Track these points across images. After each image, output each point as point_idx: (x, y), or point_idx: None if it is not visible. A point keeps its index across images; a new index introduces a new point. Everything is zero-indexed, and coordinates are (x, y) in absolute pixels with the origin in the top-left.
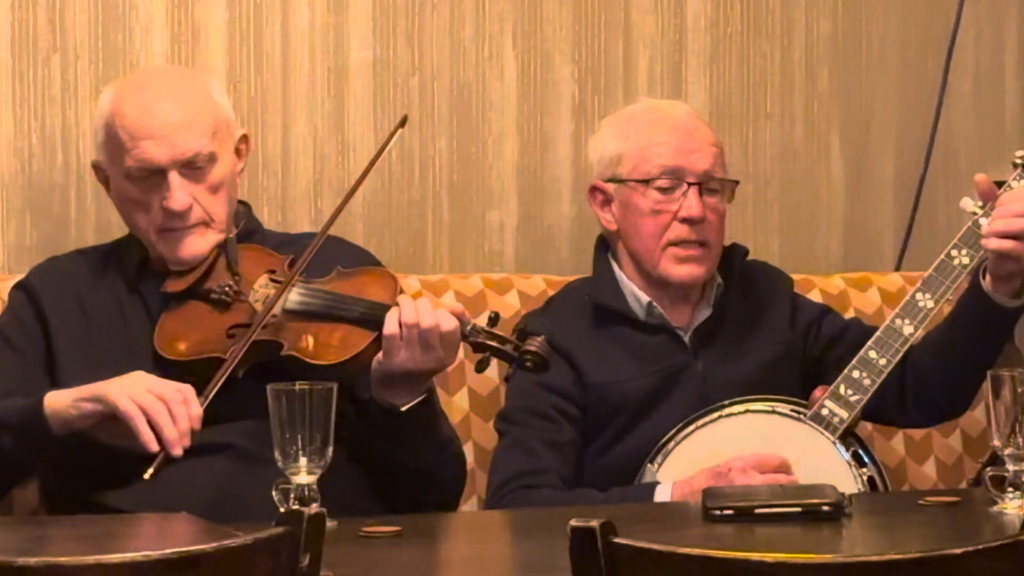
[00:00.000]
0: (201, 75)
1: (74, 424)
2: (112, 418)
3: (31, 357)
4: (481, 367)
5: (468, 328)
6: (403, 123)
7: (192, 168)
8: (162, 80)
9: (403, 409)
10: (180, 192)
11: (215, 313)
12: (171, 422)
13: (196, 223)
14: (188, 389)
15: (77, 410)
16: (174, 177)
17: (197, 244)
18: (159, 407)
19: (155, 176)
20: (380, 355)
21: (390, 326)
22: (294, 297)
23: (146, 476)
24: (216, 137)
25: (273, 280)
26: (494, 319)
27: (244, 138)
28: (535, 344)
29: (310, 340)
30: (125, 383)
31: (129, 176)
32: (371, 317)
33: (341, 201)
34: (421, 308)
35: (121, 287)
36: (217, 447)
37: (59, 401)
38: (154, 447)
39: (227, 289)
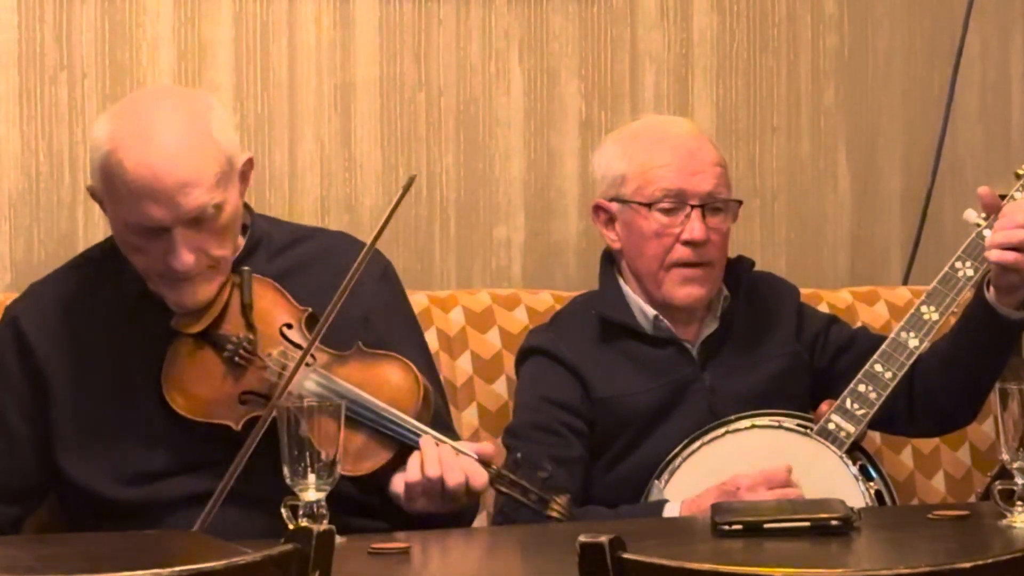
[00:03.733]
0: (202, 109)
1: None
2: None
3: (13, 425)
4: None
5: (494, 474)
6: (410, 185)
7: (198, 222)
8: (161, 120)
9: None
10: (184, 252)
11: (228, 372)
12: None
13: (202, 271)
14: None
15: None
16: (178, 234)
17: (204, 291)
18: None
19: (157, 230)
20: (400, 490)
21: (412, 473)
22: (311, 386)
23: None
24: (221, 183)
25: (288, 340)
26: (517, 461)
27: (249, 161)
28: (557, 508)
29: None
30: None
31: (128, 227)
32: (393, 436)
33: (355, 265)
34: (447, 461)
35: (117, 313)
36: (239, 496)
37: None
38: None
39: (242, 350)
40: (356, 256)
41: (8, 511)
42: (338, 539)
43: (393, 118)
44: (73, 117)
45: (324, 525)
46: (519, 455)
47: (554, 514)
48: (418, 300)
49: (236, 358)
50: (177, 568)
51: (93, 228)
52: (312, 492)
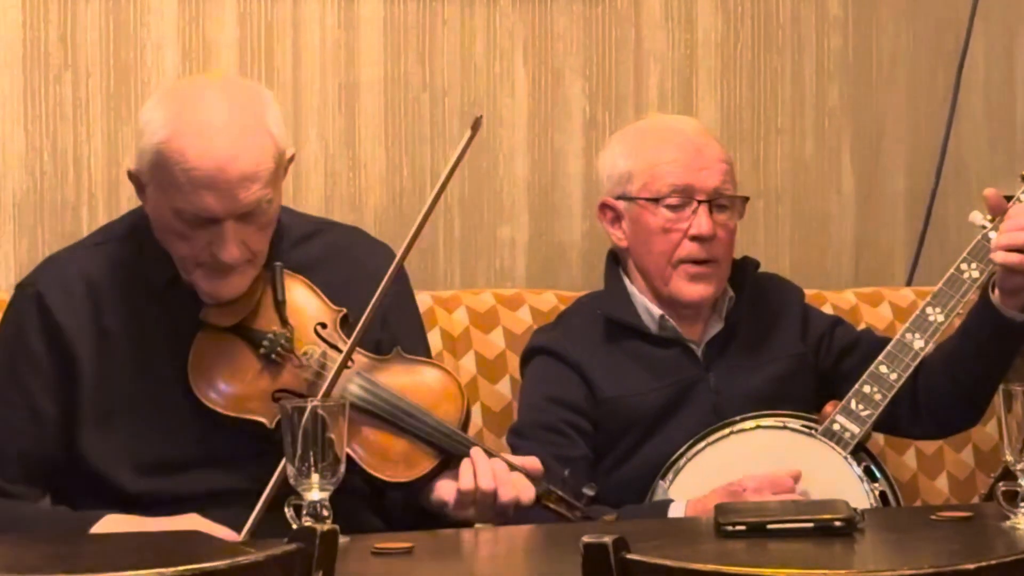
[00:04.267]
0: (260, 102)
1: None
2: None
3: (43, 404)
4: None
5: (543, 489)
6: (477, 126)
7: (249, 215)
8: (224, 111)
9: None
10: (233, 244)
11: (263, 368)
12: None
13: (241, 262)
14: (237, 539)
15: None
16: (229, 227)
17: (239, 283)
18: None
19: (208, 221)
20: (446, 497)
21: (466, 481)
22: (354, 390)
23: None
24: (274, 179)
25: (324, 340)
26: (565, 480)
27: (292, 156)
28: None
29: (369, 445)
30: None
31: (178, 215)
32: (439, 444)
33: (394, 264)
34: (500, 476)
35: (142, 295)
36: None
37: (115, 530)
38: None
39: (279, 347)
40: (373, 251)
41: (32, 491)
42: (341, 539)
43: (397, 118)
44: (77, 117)
45: (328, 525)
46: (567, 472)
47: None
48: (422, 300)
49: (272, 355)
50: (181, 567)
51: (97, 227)
52: (316, 492)
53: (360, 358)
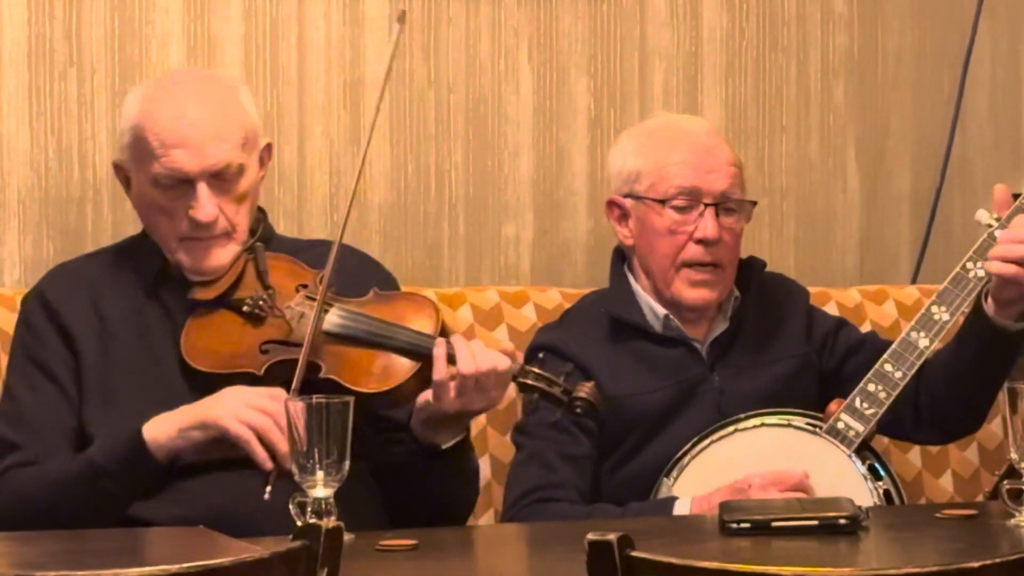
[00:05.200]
0: (230, 81)
1: (183, 454)
2: (218, 439)
3: (65, 380)
4: (531, 408)
5: (518, 368)
6: (402, 19)
7: (221, 179)
8: (194, 86)
9: (444, 447)
10: (208, 203)
11: (247, 326)
12: (282, 436)
13: (220, 234)
14: (281, 394)
15: (186, 440)
16: (202, 188)
17: (220, 255)
18: (267, 422)
19: (183, 185)
20: (429, 397)
21: (440, 370)
22: (334, 319)
23: (266, 496)
24: (245, 148)
25: (308, 297)
26: (542, 360)
27: (268, 147)
28: (585, 390)
29: (350, 365)
30: (227, 404)
31: (156, 183)
32: (415, 348)
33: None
34: (478, 353)
35: (138, 292)
36: (241, 462)
37: (161, 433)
38: (269, 465)
39: (261, 303)
40: (358, 258)
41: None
42: (346, 536)
43: (402, 115)
44: (82, 113)
45: (332, 522)
46: (543, 355)
47: (583, 393)
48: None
49: (256, 311)
50: (186, 564)
51: (102, 224)
52: (320, 489)
53: (339, 300)
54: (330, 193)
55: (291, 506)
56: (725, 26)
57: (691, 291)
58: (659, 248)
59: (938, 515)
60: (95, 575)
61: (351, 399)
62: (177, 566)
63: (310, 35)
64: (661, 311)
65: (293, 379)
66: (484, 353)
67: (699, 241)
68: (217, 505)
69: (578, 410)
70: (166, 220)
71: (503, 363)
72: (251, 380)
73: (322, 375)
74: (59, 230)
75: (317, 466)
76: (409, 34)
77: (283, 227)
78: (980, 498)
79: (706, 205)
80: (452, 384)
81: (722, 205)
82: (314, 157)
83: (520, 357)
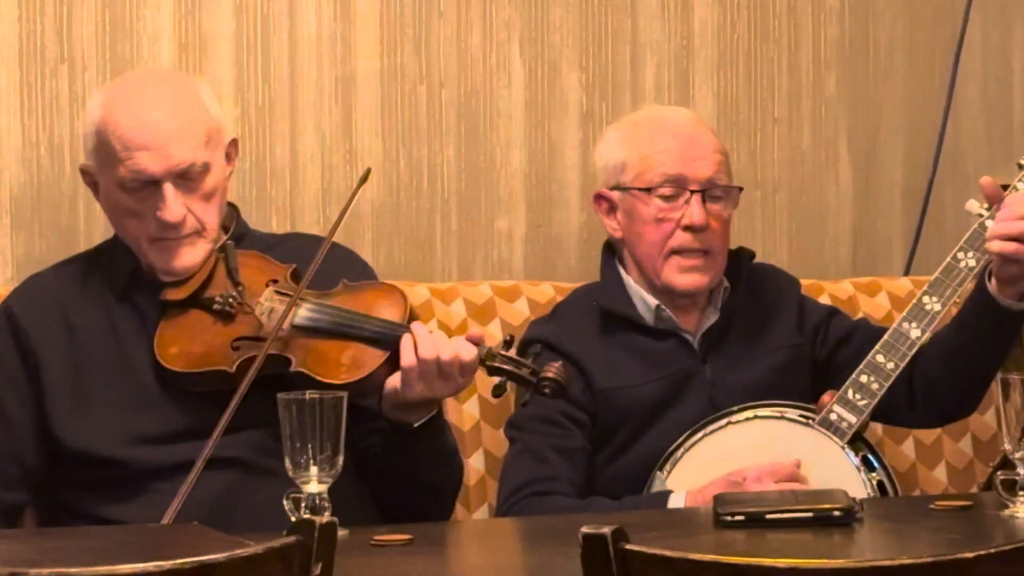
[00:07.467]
0: (192, 80)
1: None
2: None
3: (11, 414)
4: (498, 392)
5: (485, 352)
6: (365, 178)
7: (186, 178)
8: (154, 87)
9: (416, 425)
10: (175, 203)
11: (218, 324)
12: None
13: (189, 233)
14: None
15: None
16: (168, 188)
17: (190, 254)
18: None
19: (148, 186)
20: (397, 384)
21: (407, 358)
22: (303, 312)
23: None
24: (209, 146)
25: (278, 292)
26: (509, 342)
27: (234, 142)
28: (553, 370)
29: (319, 357)
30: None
31: (122, 185)
32: (382, 336)
33: (319, 252)
34: (439, 341)
35: (109, 296)
36: (222, 460)
37: None
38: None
39: (231, 300)
40: (343, 261)
41: (8, 496)
42: (340, 531)
43: (394, 110)
44: (74, 110)
45: (326, 517)
46: (510, 336)
47: (551, 374)
48: (419, 292)
49: (226, 308)
50: (179, 561)
51: (94, 221)
52: (314, 484)
53: (309, 296)
54: (322, 188)
55: (285, 502)
56: (716, 19)
57: (682, 277)
58: (647, 237)
59: (932, 506)
60: (89, 572)
61: (344, 394)
62: (171, 562)
63: (301, 31)
64: (653, 302)
65: (267, 375)
66: (445, 341)
67: (687, 228)
68: (207, 506)
69: (546, 390)
70: (135, 222)
71: (467, 352)
72: (223, 377)
73: (293, 369)
74: (51, 227)
75: (311, 462)
76: (400, 28)
77: (275, 223)
78: (974, 489)
79: (692, 192)
80: (417, 371)
81: (708, 192)
82: (306, 153)
83: (488, 341)
